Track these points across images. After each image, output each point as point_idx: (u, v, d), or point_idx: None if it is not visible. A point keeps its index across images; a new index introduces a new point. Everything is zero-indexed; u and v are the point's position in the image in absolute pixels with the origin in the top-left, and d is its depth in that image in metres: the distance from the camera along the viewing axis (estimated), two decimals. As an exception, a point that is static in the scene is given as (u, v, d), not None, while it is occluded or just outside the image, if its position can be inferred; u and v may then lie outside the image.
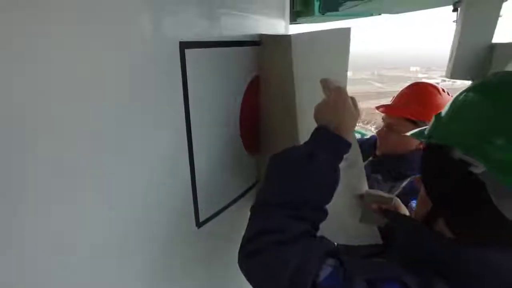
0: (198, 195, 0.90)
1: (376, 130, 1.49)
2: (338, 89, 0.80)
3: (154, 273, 0.82)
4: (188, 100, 0.81)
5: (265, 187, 0.73)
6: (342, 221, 0.99)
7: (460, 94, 0.60)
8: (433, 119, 0.64)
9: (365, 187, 1.05)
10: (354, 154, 0.95)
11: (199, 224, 0.93)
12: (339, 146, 0.74)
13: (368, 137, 1.79)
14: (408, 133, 0.71)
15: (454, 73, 1.07)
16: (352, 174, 1.01)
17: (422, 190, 0.66)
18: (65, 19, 0.54)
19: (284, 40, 0.92)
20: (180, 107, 0.80)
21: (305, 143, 0.76)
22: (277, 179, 0.72)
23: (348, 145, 0.75)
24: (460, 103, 0.60)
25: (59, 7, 0.53)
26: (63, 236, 0.60)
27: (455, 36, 1.06)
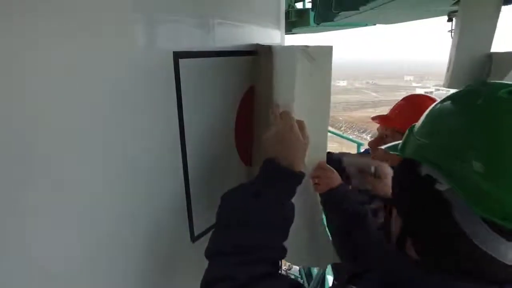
0: (193, 209, 0.88)
1: (368, 142, 1.48)
2: (285, 115, 0.78)
3: (149, 287, 0.79)
4: (182, 111, 0.80)
5: (215, 232, 0.71)
6: (298, 242, 0.97)
7: (435, 106, 0.58)
8: (406, 132, 0.61)
9: (319, 208, 1.06)
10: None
11: (193, 239, 0.90)
12: (289, 180, 0.72)
13: (363, 151, 1.79)
14: (383, 146, 0.68)
15: (452, 82, 1.06)
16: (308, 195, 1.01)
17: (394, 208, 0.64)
18: (63, 30, 0.54)
19: (270, 50, 0.91)
20: (174, 118, 0.79)
21: (253, 179, 0.73)
22: (225, 223, 0.70)
23: (299, 176, 0.73)
24: (432, 116, 0.57)
25: (58, 21, 0.53)
26: (58, 243, 0.58)
27: (452, 45, 1.06)
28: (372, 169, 0.97)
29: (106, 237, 0.67)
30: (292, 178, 0.73)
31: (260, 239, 0.66)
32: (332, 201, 1.06)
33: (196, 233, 0.91)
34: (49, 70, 0.53)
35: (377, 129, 1.37)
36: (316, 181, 1.08)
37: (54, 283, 0.59)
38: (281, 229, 0.70)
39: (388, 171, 1.00)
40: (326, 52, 0.98)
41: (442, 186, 0.49)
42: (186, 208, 0.87)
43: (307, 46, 0.96)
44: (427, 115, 0.58)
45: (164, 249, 0.82)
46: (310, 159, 1.05)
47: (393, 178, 0.63)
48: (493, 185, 0.44)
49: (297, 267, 4.80)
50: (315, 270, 4.11)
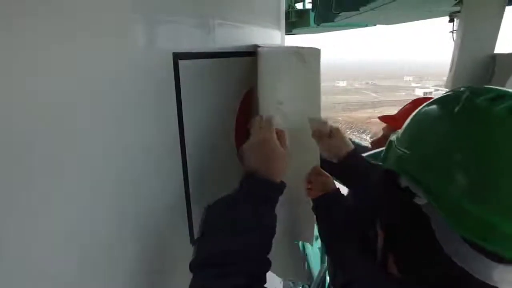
0: (192, 211, 0.87)
1: (372, 139, 1.44)
2: (264, 124, 0.77)
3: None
4: (182, 112, 0.79)
5: (197, 244, 0.70)
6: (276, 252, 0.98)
7: (416, 112, 0.54)
8: (388, 140, 0.57)
9: (303, 218, 1.06)
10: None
11: (193, 241, 0.89)
12: (269, 190, 0.71)
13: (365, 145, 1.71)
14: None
15: (455, 84, 1.05)
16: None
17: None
18: (63, 30, 0.53)
19: (258, 51, 0.90)
20: (173, 119, 0.78)
21: (233, 192, 0.73)
22: (204, 236, 0.69)
23: (280, 187, 0.73)
24: (412, 123, 0.53)
25: (58, 21, 0.52)
26: (57, 243, 0.57)
27: (455, 46, 1.04)
28: (328, 128, 0.97)
29: (104, 238, 0.66)
30: (271, 188, 0.72)
31: (239, 251, 0.64)
32: (322, 207, 1.03)
33: (196, 236, 0.90)
34: (49, 70, 0.52)
35: (383, 129, 1.35)
36: (309, 186, 1.05)
37: (52, 283, 0.58)
38: (261, 240, 0.68)
39: (342, 132, 1.00)
40: (314, 54, 0.96)
41: (421, 200, 0.46)
42: (185, 209, 0.86)
43: (298, 48, 0.95)
44: (409, 122, 0.54)
45: (163, 251, 0.82)
46: (302, 163, 1.03)
47: (375, 188, 0.61)
48: (473, 204, 0.41)
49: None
50: (315, 272, 4.09)
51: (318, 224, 1.07)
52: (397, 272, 0.54)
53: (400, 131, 0.55)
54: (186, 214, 0.87)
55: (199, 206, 0.88)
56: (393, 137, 0.56)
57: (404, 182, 0.49)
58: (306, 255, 4.41)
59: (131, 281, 0.74)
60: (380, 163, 0.56)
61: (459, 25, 1.04)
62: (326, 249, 1.06)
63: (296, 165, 0.98)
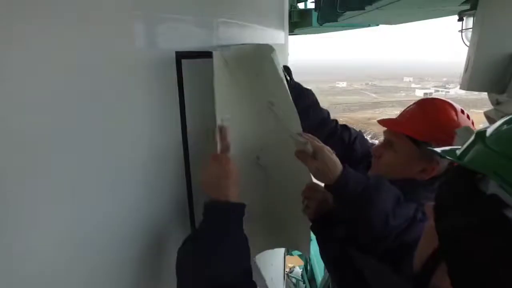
0: (195, 213, 0.87)
1: (373, 147, 1.29)
2: (222, 156, 0.78)
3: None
4: (185, 111, 0.79)
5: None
6: None
7: None
8: (472, 137, 0.48)
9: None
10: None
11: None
12: (231, 212, 0.73)
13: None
14: (439, 149, 0.56)
15: (471, 84, 1.00)
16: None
17: (430, 224, 0.51)
18: (66, 30, 0.53)
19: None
20: (176, 118, 0.78)
21: (199, 224, 0.75)
22: (178, 281, 0.69)
23: (241, 208, 0.74)
24: None
25: (60, 21, 0.52)
26: (60, 239, 0.56)
27: (470, 45, 1.01)
28: (311, 149, 0.86)
29: (107, 240, 0.65)
30: (234, 209, 0.73)
31: (217, 279, 0.65)
32: (322, 230, 0.96)
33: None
34: (52, 69, 0.51)
35: (384, 132, 1.25)
36: (306, 203, 0.97)
37: (53, 281, 0.57)
38: (236, 265, 0.68)
39: (326, 153, 0.86)
40: (264, 51, 0.87)
41: None
42: (187, 208, 0.86)
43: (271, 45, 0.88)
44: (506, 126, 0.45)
45: (165, 253, 0.81)
46: (299, 166, 0.93)
47: (441, 189, 0.52)
48: None
49: (299, 270, 4.75)
50: (319, 275, 4.07)
51: (319, 245, 1.00)
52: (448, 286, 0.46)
53: (491, 129, 0.46)
54: (188, 214, 0.86)
55: (202, 205, 0.87)
56: (482, 136, 0.46)
57: (492, 187, 0.41)
58: (309, 258, 4.40)
59: (132, 282, 0.73)
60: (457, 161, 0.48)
61: (475, 23, 1.00)
62: (330, 273, 1.00)
63: (293, 167, 0.92)
